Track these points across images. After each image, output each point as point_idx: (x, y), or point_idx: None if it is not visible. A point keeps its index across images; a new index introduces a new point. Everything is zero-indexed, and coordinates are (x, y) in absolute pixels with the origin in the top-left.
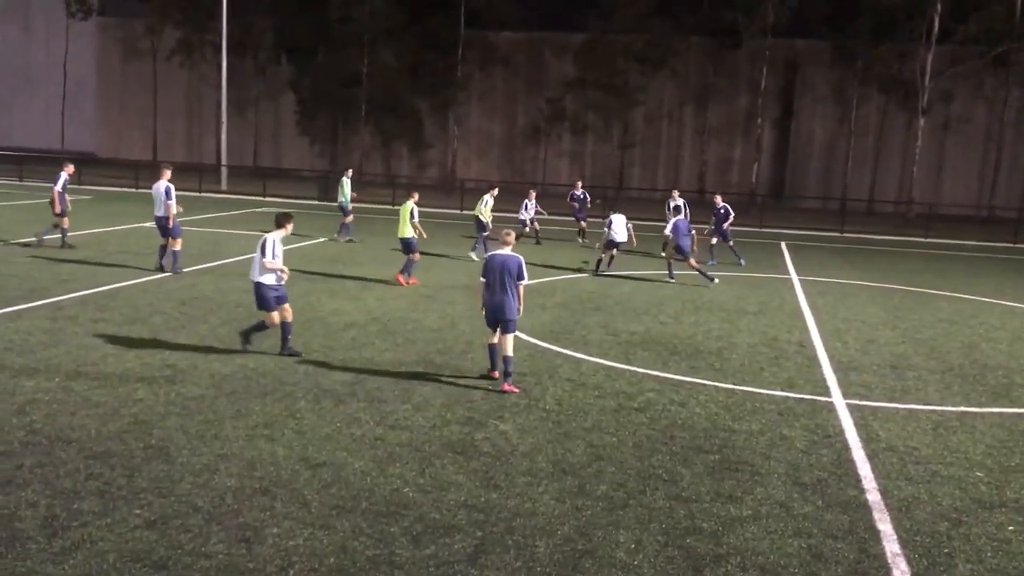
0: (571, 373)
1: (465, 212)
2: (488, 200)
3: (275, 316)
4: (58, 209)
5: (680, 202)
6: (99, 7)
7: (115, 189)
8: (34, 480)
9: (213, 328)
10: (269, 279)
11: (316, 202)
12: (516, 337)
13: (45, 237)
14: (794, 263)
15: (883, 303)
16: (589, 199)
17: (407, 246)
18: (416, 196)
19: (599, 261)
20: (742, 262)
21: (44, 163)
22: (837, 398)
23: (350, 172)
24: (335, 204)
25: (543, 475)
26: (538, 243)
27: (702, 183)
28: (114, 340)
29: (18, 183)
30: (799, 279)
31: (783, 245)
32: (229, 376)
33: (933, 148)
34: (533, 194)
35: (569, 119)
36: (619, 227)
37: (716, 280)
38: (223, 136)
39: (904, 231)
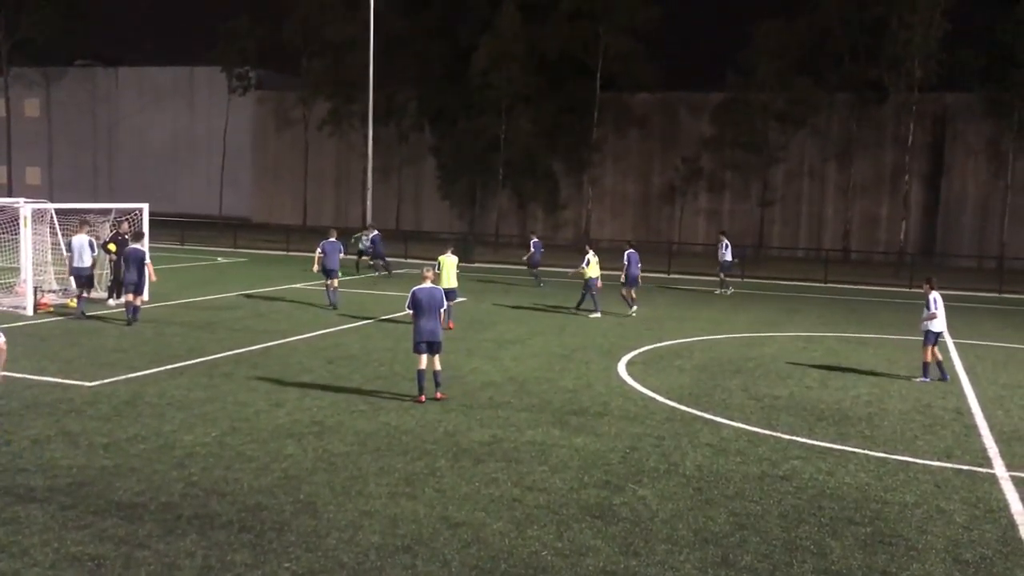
0: (711, 438)
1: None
2: (590, 259)
3: None
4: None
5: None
6: (256, 82)
7: (268, 252)
8: (191, 531)
9: (358, 386)
10: None
11: None
12: (652, 400)
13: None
14: (948, 325)
15: None
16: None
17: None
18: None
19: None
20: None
21: (203, 228)
22: (1000, 470)
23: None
24: (470, 265)
25: (684, 543)
26: (389, 275)
27: (847, 241)
28: (266, 397)
29: (180, 246)
30: (954, 342)
31: None
32: (373, 434)
33: None
34: (373, 226)
35: (706, 178)
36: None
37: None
38: (368, 201)
39: None
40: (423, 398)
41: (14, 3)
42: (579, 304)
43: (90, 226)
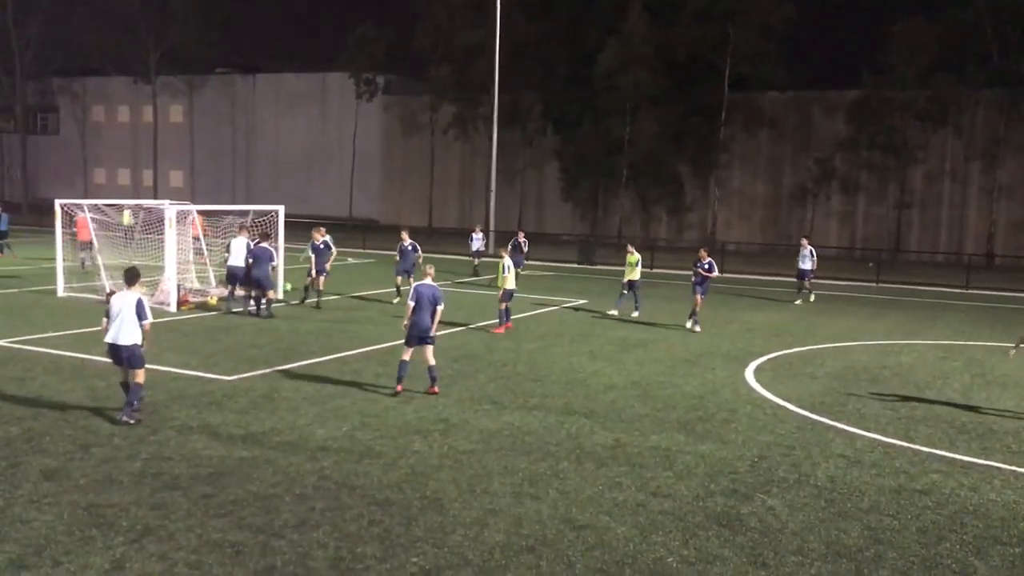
0: (844, 448)
1: (727, 276)
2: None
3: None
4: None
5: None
6: (384, 88)
7: (395, 254)
8: (324, 523)
9: (482, 385)
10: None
11: (576, 265)
12: (782, 408)
13: None
14: None
15: None
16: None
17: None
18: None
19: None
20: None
21: (333, 230)
22: None
23: (479, 228)
24: (591, 267)
25: (815, 556)
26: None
27: (991, 245)
28: (394, 393)
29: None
30: None
31: None
32: (496, 433)
33: None
34: (479, 228)
35: (839, 179)
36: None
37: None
38: (492, 203)
39: None
40: (400, 388)
41: (162, 16)
42: (636, 306)
43: (248, 230)
